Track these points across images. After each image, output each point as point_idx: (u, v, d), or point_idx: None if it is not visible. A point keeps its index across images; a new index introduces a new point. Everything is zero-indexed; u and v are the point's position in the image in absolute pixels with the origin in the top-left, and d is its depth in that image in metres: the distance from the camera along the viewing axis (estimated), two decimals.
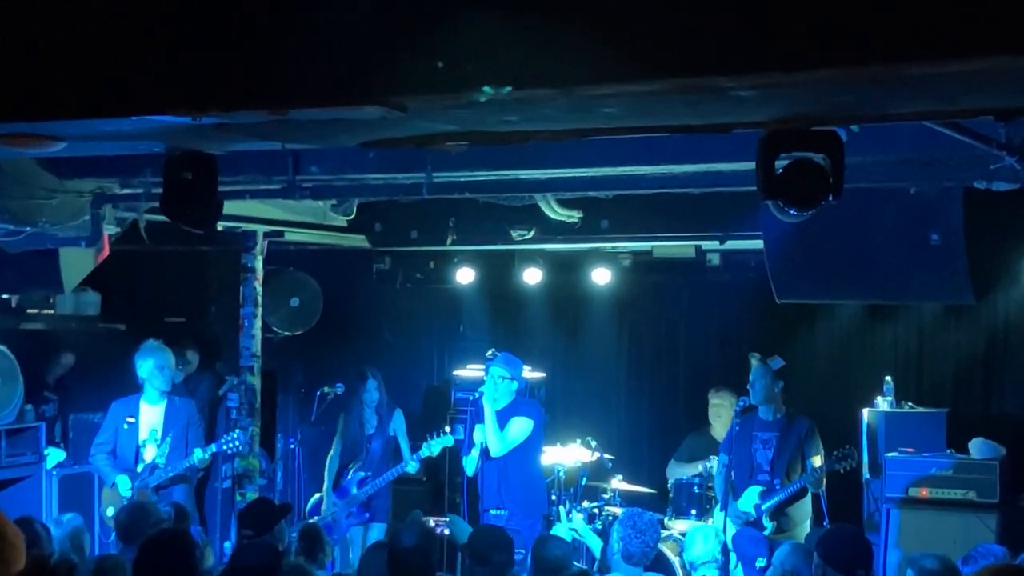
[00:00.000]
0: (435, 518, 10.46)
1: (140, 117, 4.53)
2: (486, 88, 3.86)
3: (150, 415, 9.69)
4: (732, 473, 9.35)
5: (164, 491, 9.45)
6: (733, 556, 8.08)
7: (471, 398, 10.06)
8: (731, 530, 8.90)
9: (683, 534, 9.53)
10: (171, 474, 9.51)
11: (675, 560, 9.26)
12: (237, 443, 9.70)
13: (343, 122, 4.68)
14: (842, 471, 9.18)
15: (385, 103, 4.14)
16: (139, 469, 9.54)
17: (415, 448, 10.26)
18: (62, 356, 11.83)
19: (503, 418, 9.67)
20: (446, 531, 10.18)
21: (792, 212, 5.31)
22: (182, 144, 5.70)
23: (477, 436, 9.64)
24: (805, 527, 9.23)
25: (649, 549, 7.30)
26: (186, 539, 6.14)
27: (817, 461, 9.19)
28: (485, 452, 9.66)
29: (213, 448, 9.65)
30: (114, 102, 4.43)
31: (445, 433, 10.30)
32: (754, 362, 9.50)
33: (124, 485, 9.46)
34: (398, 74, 4.04)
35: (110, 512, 9.47)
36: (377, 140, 5.33)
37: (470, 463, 9.80)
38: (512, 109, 4.33)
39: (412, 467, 10.26)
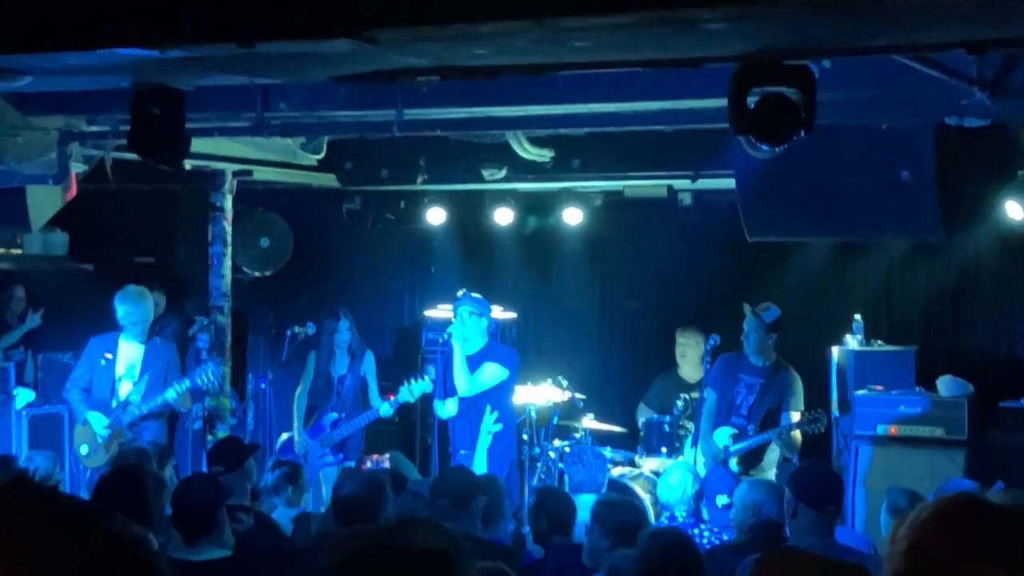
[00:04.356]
0: (376, 455, 10.34)
1: (107, 50, 4.48)
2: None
3: (129, 352, 9.59)
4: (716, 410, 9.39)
5: (136, 429, 9.39)
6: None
7: (441, 339, 10.01)
8: (702, 468, 8.97)
9: (655, 472, 9.59)
10: (144, 411, 9.43)
11: (646, 497, 9.30)
12: (211, 377, 9.55)
13: (312, 56, 4.65)
14: (812, 433, 9.13)
15: (355, 36, 4.10)
16: (113, 406, 9.47)
17: (392, 391, 10.18)
18: (14, 290, 11.73)
19: (476, 362, 9.61)
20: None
21: (764, 148, 5.30)
22: (150, 78, 5.65)
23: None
24: (773, 472, 9.24)
25: (594, 475, 7.54)
26: (141, 476, 6.12)
27: (795, 416, 9.14)
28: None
29: (187, 383, 9.44)
30: (81, 35, 4.38)
31: (423, 378, 10.20)
32: (748, 313, 9.42)
33: (98, 422, 9.38)
34: (368, 5, 4.01)
35: (84, 450, 9.41)
36: (347, 75, 5.30)
37: (440, 407, 9.78)
38: (483, 42, 4.31)
39: (385, 410, 10.17)
